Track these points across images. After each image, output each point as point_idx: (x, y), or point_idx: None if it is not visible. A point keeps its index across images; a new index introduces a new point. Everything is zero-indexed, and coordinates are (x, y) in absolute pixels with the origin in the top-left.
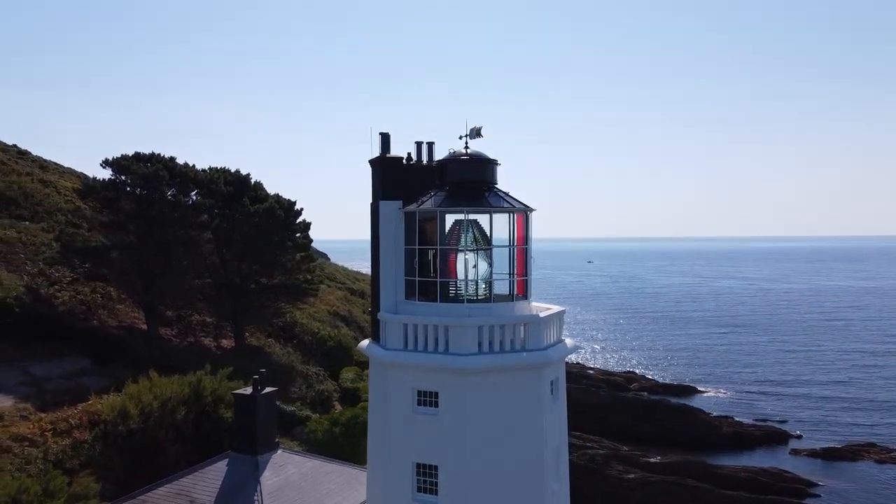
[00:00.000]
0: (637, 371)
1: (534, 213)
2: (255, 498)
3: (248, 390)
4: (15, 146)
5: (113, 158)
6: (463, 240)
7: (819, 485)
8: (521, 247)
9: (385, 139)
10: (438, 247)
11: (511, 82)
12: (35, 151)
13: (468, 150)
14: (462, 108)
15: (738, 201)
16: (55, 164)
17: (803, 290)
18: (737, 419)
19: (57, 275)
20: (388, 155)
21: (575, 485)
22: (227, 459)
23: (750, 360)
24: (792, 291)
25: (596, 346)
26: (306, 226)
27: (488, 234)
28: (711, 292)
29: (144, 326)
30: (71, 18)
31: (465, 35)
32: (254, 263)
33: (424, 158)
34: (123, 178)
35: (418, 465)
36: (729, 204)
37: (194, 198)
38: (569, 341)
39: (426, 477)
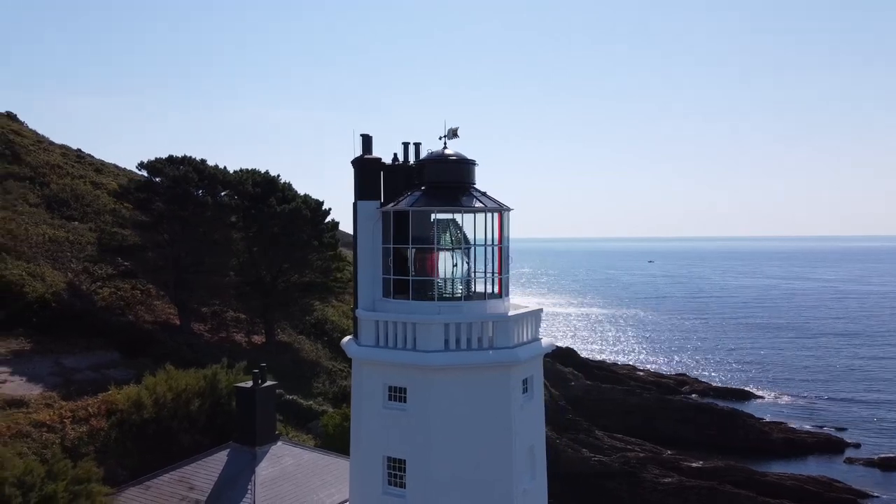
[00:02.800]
0: (691, 374)
1: (511, 212)
2: (249, 487)
3: (249, 384)
4: (79, 150)
5: (147, 161)
6: (441, 239)
7: (872, 496)
8: (497, 246)
9: (366, 140)
10: (411, 246)
11: (574, 78)
12: (104, 155)
13: (445, 151)
14: (494, 106)
15: (816, 198)
16: (114, 166)
17: (885, 292)
18: (790, 426)
19: (100, 272)
20: (366, 156)
21: (605, 487)
22: (228, 449)
23: (817, 367)
24: (872, 294)
25: (651, 348)
26: (334, 225)
27: (466, 233)
28: (783, 294)
29: (178, 322)
30: (153, 27)
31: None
32: (283, 262)
33: (412, 159)
34: (157, 179)
35: (389, 459)
36: (807, 200)
37: (223, 198)
38: (545, 341)
39: (396, 471)
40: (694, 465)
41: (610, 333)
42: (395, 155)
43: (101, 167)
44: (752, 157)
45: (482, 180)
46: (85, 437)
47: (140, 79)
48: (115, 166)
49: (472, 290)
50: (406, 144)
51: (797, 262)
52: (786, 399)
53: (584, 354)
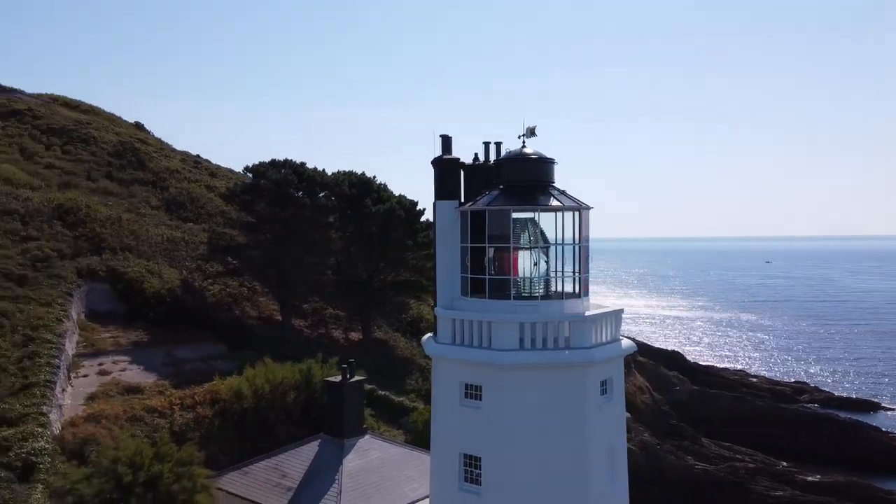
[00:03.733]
0: (812, 382)
1: (591, 210)
2: (336, 477)
3: (339, 378)
4: (197, 155)
5: (252, 165)
6: (520, 238)
7: None
8: (577, 245)
9: (445, 141)
10: (488, 245)
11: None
12: (220, 159)
13: (523, 150)
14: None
15: None
16: (228, 170)
17: None
18: None
19: (211, 270)
20: (445, 156)
21: (710, 497)
22: (318, 441)
23: None
24: None
25: (768, 354)
26: (428, 225)
27: (545, 232)
28: None
29: (280, 318)
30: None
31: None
32: (379, 261)
33: (492, 158)
34: (261, 182)
35: (465, 456)
36: None
37: (321, 199)
38: (627, 342)
39: (472, 468)
40: (810, 479)
41: (723, 337)
42: (476, 155)
43: (215, 171)
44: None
45: (577, 177)
46: (191, 423)
47: (257, 83)
48: (230, 170)
49: (553, 289)
50: (487, 144)
51: None
52: None
53: (692, 358)
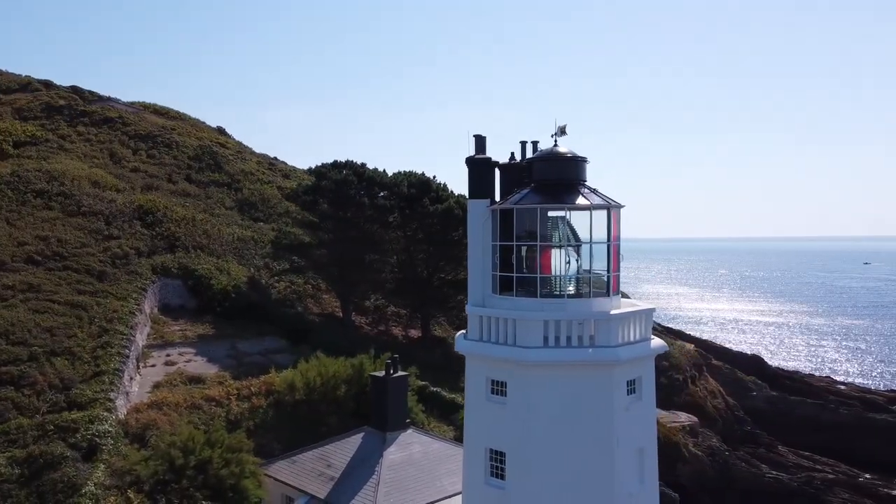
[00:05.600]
0: None
1: (623, 209)
2: (376, 468)
3: (382, 373)
4: (275, 158)
5: (315, 166)
6: (553, 236)
7: None
8: (612, 243)
9: (479, 140)
10: (515, 243)
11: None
12: (297, 161)
13: (554, 149)
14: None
15: None
16: (304, 171)
17: None
18: None
19: (278, 267)
20: (477, 156)
21: None
22: (363, 433)
23: None
24: None
25: (862, 360)
26: None
27: (575, 230)
28: None
29: (341, 314)
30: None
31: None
32: (439, 260)
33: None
34: (323, 183)
35: (491, 451)
36: None
37: (381, 199)
38: (657, 341)
39: (498, 463)
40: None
41: (816, 343)
42: (512, 154)
43: (289, 173)
44: None
45: (639, 173)
46: (246, 412)
47: (334, 87)
48: (305, 172)
49: (585, 287)
50: (524, 143)
51: None
52: None
53: (777, 363)
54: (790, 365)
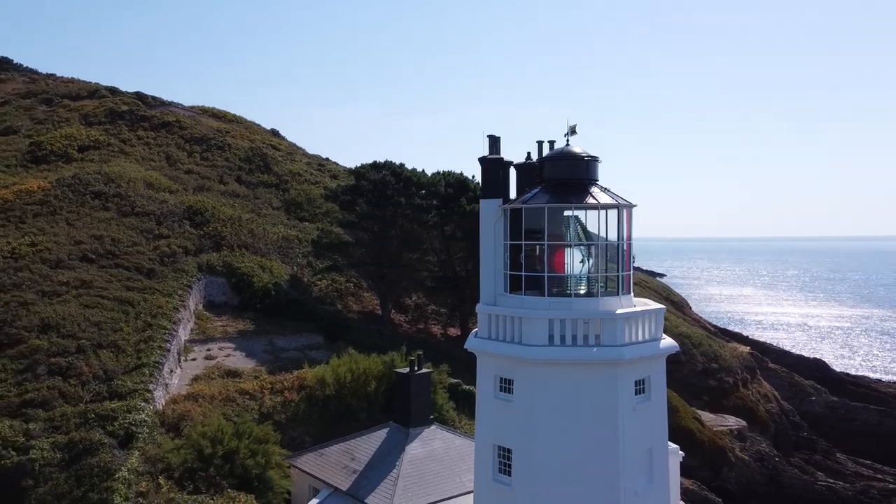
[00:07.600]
0: None
1: (635, 208)
2: (398, 463)
3: (406, 370)
4: (326, 158)
5: (355, 167)
6: (564, 236)
7: None
8: (625, 242)
9: (492, 140)
10: (524, 242)
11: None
12: (348, 161)
13: (566, 148)
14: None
15: None
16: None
17: None
18: None
19: (319, 266)
20: (490, 156)
21: None
22: (388, 428)
23: None
24: None
25: None
26: None
27: (587, 229)
28: None
29: (380, 312)
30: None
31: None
32: (475, 258)
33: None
34: (362, 183)
35: (499, 448)
36: None
37: (419, 199)
38: (667, 341)
39: (505, 460)
40: None
41: (887, 345)
42: (528, 153)
43: (337, 173)
44: None
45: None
46: (278, 406)
47: (380, 90)
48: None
49: (597, 287)
50: (540, 143)
51: None
52: None
53: (841, 368)
54: (848, 367)
